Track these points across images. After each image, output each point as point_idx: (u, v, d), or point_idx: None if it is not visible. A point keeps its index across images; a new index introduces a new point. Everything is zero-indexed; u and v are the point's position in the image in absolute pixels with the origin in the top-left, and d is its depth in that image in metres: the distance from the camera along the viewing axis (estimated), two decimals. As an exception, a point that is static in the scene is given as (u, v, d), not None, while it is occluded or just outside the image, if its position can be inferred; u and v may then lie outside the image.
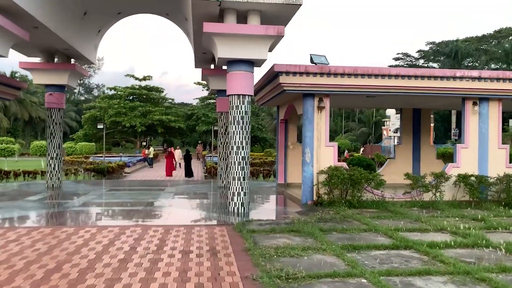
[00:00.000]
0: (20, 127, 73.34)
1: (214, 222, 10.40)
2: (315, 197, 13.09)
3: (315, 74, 12.61)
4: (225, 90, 18.11)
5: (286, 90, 12.71)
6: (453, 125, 59.09)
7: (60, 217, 10.55)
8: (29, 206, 12.24)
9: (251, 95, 11.81)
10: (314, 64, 12.85)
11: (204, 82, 59.97)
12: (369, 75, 12.92)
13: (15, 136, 65.65)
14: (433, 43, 66.30)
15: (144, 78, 58.81)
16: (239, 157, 11.52)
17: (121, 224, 9.58)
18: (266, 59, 11.45)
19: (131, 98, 57.17)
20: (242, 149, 11.54)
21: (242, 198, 11.54)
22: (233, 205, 11.55)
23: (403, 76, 13.11)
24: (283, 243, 8.05)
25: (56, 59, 16.97)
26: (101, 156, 28.19)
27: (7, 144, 34.79)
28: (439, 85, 13.31)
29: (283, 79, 12.47)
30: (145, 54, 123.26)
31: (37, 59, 17.32)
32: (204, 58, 17.06)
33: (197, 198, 14.99)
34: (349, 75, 12.81)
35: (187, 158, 25.10)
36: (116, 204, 12.95)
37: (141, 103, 54.19)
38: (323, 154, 13.20)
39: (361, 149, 51.58)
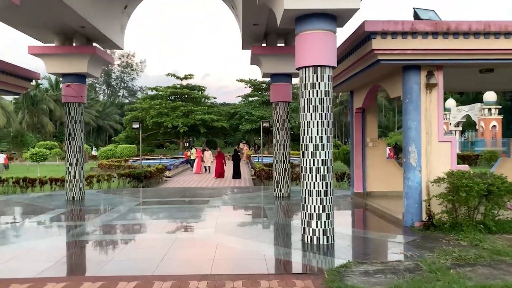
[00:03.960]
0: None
1: (288, 266, 6.55)
2: (424, 217, 8.96)
3: (425, 34, 8.45)
4: (280, 74, 14.29)
5: (382, 60, 8.64)
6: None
7: (53, 256, 7.06)
8: (20, 234, 8.97)
9: (333, 67, 7.86)
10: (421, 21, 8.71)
11: (247, 79, 56.98)
12: (507, 34, 8.59)
13: (61, 140, 65.31)
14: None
15: (186, 77, 56.55)
16: (318, 160, 7.61)
17: (141, 274, 5.94)
18: (357, 9, 7.48)
19: (172, 98, 55.17)
20: (323, 148, 7.62)
21: (324, 223, 7.61)
22: (311, 233, 7.65)
23: (559, 34, 8.66)
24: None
25: (75, 44, 13.79)
26: (142, 159, 25.25)
27: (41, 148, 32.81)
28: None
29: (377, 43, 8.42)
30: (188, 57, 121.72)
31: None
32: (255, 32, 13.27)
33: (251, 216, 11.21)
34: (477, 34, 8.55)
35: (236, 159, 23.27)
36: (143, 229, 9.42)
37: (182, 103, 52.00)
38: (436, 153, 9.03)
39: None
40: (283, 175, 14.07)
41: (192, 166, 30.48)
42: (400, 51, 8.54)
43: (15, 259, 6.80)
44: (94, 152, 46.81)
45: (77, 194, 13.75)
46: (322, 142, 7.59)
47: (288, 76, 14.06)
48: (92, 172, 25.23)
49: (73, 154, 13.74)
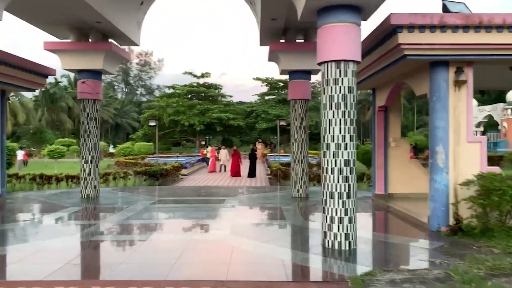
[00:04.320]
0: (84, 129, 73.98)
1: (309, 272, 6.17)
2: (451, 221, 8.45)
3: (455, 27, 7.96)
4: (299, 71, 13.81)
5: (408, 55, 8.18)
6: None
7: (63, 257, 6.82)
8: (31, 233, 8.81)
9: (358, 62, 7.44)
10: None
11: (264, 77, 56.65)
12: (545, 27, 8.02)
13: (80, 138, 66.02)
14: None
15: (202, 75, 56.57)
16: (341, 160, 7.20)
17: (153, 279, 5.64)
18: (384, 0, 7.06)
19: (189, 96, 55.23)
20: (345, 147, 7.21)
21: (347, 227, 7.20)
22: (332, 238, 7.25)
23: None
24: None
25: (90, 40, 13.63)
26: (158, 157, 25.14)
27: (59, 145, 33.06)
28: None
29: (404, 37, 7.96)
30: (204, 56, 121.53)
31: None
32: (273, 28, 12.89)
33: (267, 217, 10.86)
34: (511, 28, 8.02)
35: (252, 158, 23.13)
36: (157, 230, 9.15)
37: (199, 101, 52.02)
38: (464, 154, 8.51)
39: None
40: (301, 175, 13.67)
41: (208, 164, 30.31)
42: (428, 45, 8.07)
43: (25, 260, 6.59)
44: (111, 150, 47.10)
45: (92, 192, 13.61)
46: (344, 141, 7.19)
47: (307, 73, 13.64)
48: (109, 169, 25.28)
49: (88, 152, 13.61)
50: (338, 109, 7.18)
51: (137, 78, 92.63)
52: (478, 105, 53.30)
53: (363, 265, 6.31)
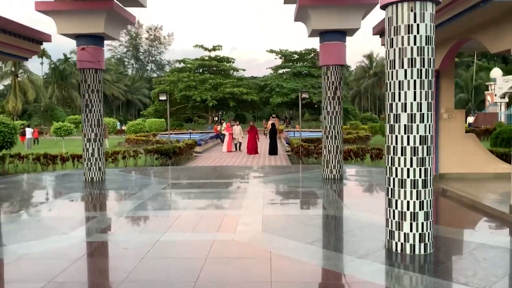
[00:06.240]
0: (95, 106, 72.69)
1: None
2: (544, 213, 6.62)
3: None
4: (332, 32, 11.87)
5: (495, -4, 6.19)
6: None
7: (47, 271, 5.17)
8: (14, 231, 7.19)
9: (437, 2, 5.46)
10: None
11: (278, 49, 54.14)
12: None
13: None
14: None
15: (214, 48, 54.37)
16: (415, 136, 5.33)
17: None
18: None
19: (200, 70, 53.27)
20: (421, 119, 5.33)
21: (422, 225, 5.40)
22: (401, 239, 5.46)
23: None
24: None
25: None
26: (170, 134, 23.42)
27: (69, 122, 31.67)
28: None
29: (493, -30, 5.97)
30: (214, 30, 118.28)
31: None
32: (303, -21, 10.85)
33: (303, 207, 8.98)
34: None
35: (273, 134, 21.55)
36: (170, 226, 7.30)
37: (211, 75, 50.03)
38: None
39: (469, 118, 42.54)
40: (334, 153, 11.86)
41: (222, 141, 28.52)
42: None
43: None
44: (119, 127, 45.66)
45: (96, 174, 12.00)
46: (420, 111, 5.30)
47: (342, 34, 11.63)
48: (119, 147, 23.79)
49: (90, 129, 11.92)
50: (412, 67, 5.26)
51: (147, 53, 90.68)
52: (503, 75, 50.38)
53: (450, 280, 4.57)
